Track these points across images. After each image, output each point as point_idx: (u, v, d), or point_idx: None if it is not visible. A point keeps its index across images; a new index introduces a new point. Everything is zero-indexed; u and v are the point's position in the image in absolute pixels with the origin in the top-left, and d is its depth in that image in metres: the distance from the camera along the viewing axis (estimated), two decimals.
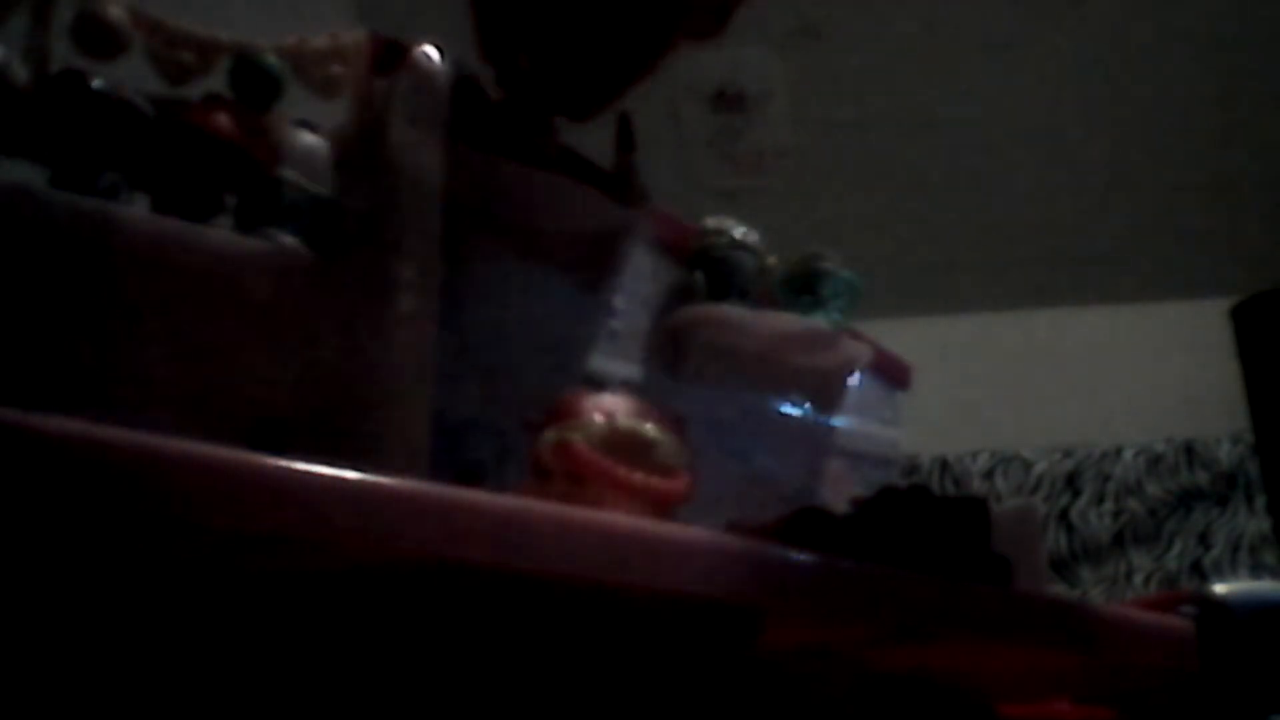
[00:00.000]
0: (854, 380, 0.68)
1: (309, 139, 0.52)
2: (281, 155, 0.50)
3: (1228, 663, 0.53)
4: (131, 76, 0.49)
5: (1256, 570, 2.13)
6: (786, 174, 2.23)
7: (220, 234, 0.48)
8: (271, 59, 0.52)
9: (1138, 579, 2.19)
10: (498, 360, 0.55)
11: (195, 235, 0.47)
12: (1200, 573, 2.17)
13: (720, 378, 0.63)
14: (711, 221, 0.65)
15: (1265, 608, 0.55)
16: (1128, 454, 2.27)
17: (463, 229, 0.52)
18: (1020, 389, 2.31)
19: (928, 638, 0.48)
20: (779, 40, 1.99)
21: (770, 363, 0.64)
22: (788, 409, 0.66)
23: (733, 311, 0.62)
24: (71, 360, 0.43)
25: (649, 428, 0.46)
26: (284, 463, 0.34)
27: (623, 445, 0.45)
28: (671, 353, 0.61)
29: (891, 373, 0.72)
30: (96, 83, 0.47)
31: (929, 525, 0.48)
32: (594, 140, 0.59)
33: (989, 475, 2.29)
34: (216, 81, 0.52)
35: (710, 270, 0.63)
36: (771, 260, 0.66)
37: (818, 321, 0.64)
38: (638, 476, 0.44)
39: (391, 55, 0.53)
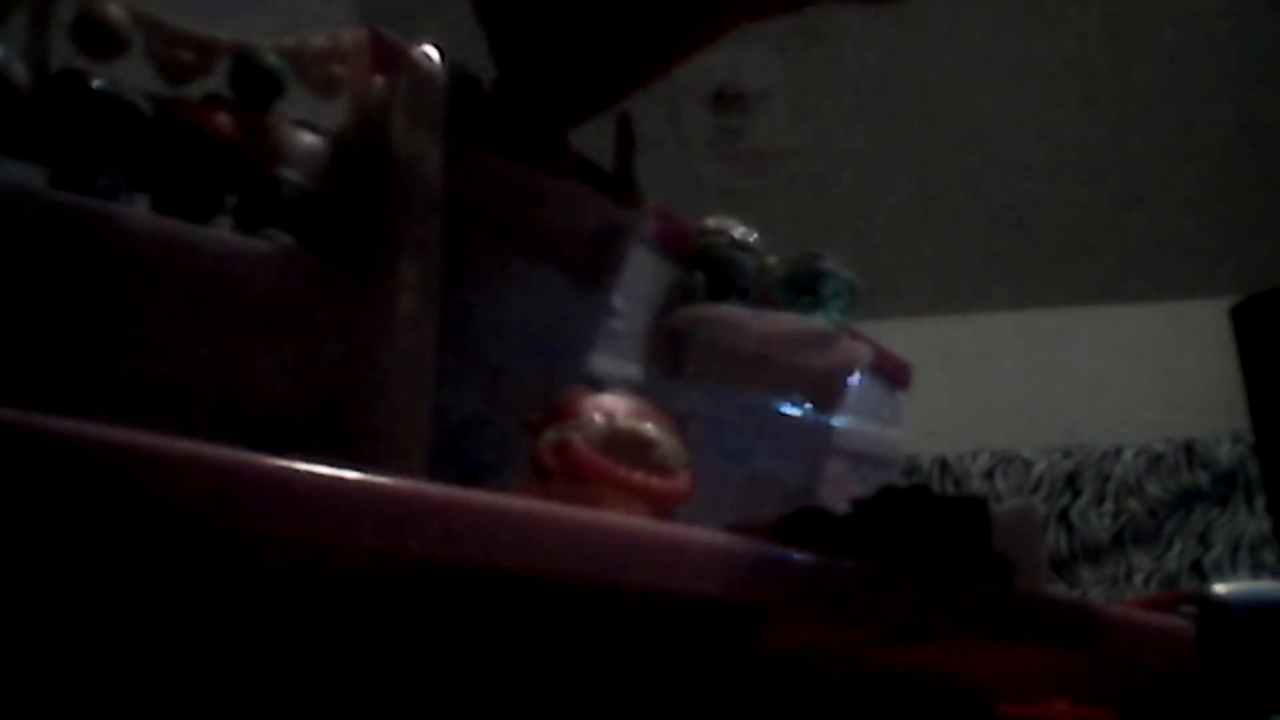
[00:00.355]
0: (854, 380, 0.68)
1: (309, 139, 0.52)
2: (281, 155, 0.50)
3: (1228, 663, 0.53)
4: (131, 76, 0.49)
5: (1256, 570, 2.13)
6: (786, 174, 2.23)
7: (220, 234, 0.48)
8: (271, 59, 0.52)
9: (1138, 579, 2.19)
10: (498, 360, 0.55)
11: (195, 235, 0.47)
12: (1200, 573, 2.17)
13: (720, 378, 0.63)
14: (711, 221, 0.65)
15: (1265, 608, 0.55)
16: (1128, 454, 2.27)
17: (463, 229, 0.52)
18: (1020, 389, 2.31)
19: (928, 638, 0.48)
20: (779, 40, 1.99)
21: (770, 363, 0.64)
22: (788, 409, 0.66)
23: (733, 311, 0.62)
24: (70, 360, 0.43)
25: (649, 428, 0.46)
26: (284, 463, 0.34)
27: (623, 445, 0.45)
28: (671, 353, 0.61)
29: (891, 373, 0.72)
30: (96, 83, 0.47)
31: (929, 525, 0.48)
32: (594, 140, 0.59)
33: (989, 475, 2.29)
34: (216, 81, 0.52)
35: (710, 270, 0.63)
36: (771, 260, 0.66)
37: (818, 321, 0.64)
38: (638, 476, 0.44)
39: (391, 55, 0.53)
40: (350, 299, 0.48)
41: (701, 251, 0.63)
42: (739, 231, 0.64)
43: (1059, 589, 2.09)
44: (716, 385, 0.62)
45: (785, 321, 0.64)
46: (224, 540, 0.34)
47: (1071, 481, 2.23)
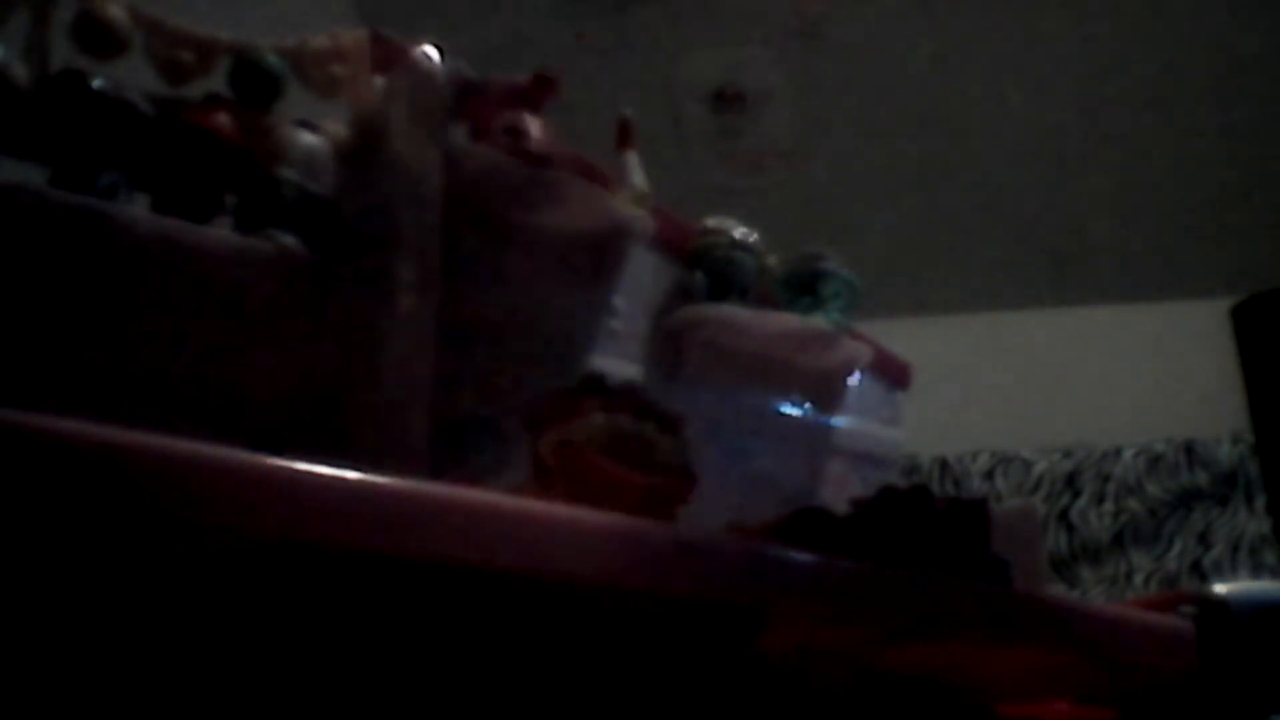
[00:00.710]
0: (854, 380, 0.68)
1: (309, 139, 0.52)
2: (281, 155, 0.50)
3: (1228, 663, 0.53)
4: (131, 76, 0.49)
5: (1256, 570, 2.13)
6: (786, 174, 2.23)
7: (220, 234, 0.48)
8: (271, 59, 0.52)
9: (1138, 579, 2.19)
10: (498, 360, 0.55)
11: (195, 235, 0.47)
12: (1200, 573, 2.17)
13: (720, 378, 0.63)
14: (711, 221, 0.65)
15: (1265, 608, 0.55)
16: (1128, 454, 2.27)
17: (463, 229, 0.52)
18: (1020, 389, 2.31)
19: (928, 638, 0.48)
20: (779, 40, 1.99)
21: (770, 363, 0.64)
22: (788, 409, 0.66)
23: (733, 311, 0.62)
24: (71, 360, 0.43)
25: (649, 428, 0.46)
26: (284, 463, 0.34)
27: (623, 445, 0.45)
28: (671, 353, 0.61)
29: (891, 373, 0.72)
30: (96, 83, 0.47)
31: (929, 525, 0.48)
32: (594, 140, 0.59)
33: (989, 475, 2.29)
34: (216, 81, 0.52)
35: (710, 270, 0.63)
36: (771, 260, 0.66)
37: (818, 321, 0.64)
38: (638, 476, 0.44)
39: (391, 55, 0.53)
40: (350, 299, 0.48)
41: (701, 251, 0.63)
42: (739, 231, 0.64)
43: (1059, 589, 2.09)
44: (716, 385, 0.62)
45: (785, 321, 0.64)
46: (224, 540, 0.34)
47: (1071, 481, 2.23)
